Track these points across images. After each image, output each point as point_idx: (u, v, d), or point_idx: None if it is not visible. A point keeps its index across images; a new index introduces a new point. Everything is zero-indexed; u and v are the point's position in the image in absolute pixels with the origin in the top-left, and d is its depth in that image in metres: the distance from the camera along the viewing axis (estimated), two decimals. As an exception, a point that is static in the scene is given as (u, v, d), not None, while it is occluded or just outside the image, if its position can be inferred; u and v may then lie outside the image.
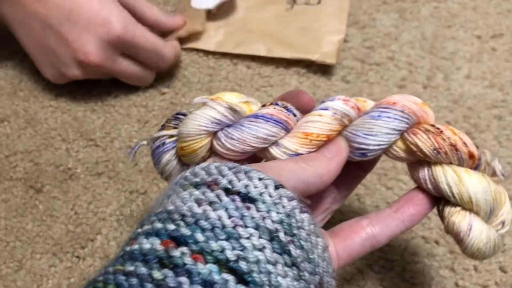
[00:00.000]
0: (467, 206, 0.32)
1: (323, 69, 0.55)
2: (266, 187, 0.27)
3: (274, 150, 0.32)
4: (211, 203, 0.26)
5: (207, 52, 0.57)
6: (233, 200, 0.26)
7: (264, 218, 0.25)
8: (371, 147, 0.32)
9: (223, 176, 0.27)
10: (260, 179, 0.27)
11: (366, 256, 0.43)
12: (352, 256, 0.32)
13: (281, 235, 0.25)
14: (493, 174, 0.32)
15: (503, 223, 0.32)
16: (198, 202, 0.26)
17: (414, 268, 0.42)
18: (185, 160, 0.34)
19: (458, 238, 0.32)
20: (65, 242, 0.45)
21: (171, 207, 0.26)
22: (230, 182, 0.27)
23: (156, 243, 0.24)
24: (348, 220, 0.34)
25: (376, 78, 0.54)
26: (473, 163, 0.32)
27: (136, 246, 0.24)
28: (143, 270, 0.23)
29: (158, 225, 0.25)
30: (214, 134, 0.33)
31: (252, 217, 0.25)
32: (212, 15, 0.59)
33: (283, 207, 0.27)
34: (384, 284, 0.41)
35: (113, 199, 0.47)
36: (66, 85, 0.55)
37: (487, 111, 0.51)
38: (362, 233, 0.32)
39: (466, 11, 0.60)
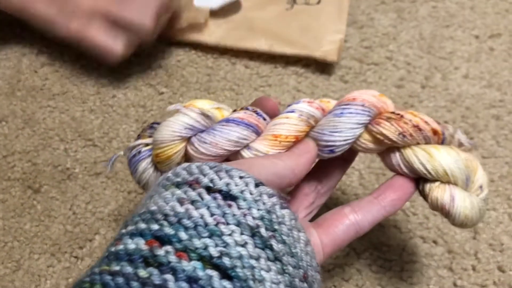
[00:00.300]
0: (444, 179, 0.33)
1: (321, 69, 0.55)
2: (246, 185, 0.27)
3: (245, 153, 0.33)
4: (193, 202, 0.26)
5: (205, 52, 0.57)
6: (215, 198, 0.26)
7: (245, 215, 0.26)
8: (337, 143, 0.33)
9: (204, 175, 0.28)
10: (241, 177, 0.28)
11: (364, 256, 0.43)
12: (337, 243, 0.32)
13: (262, 230, 0.26)
14: (460, 145, 0.34)
15: (481, 187, 0.33)
16: (180, 201, 0.26)
17: (412, 268, 0.42)
18: (160, 167, 0.35)
19: (445, 211, 0.33)
20: (63, 242, 0.45)
21: (153, 207, 0.26)
22: (211, 180, 0.27)
23: (141, 243, 0.24)
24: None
25: (374, 78, 0.54)
26: (439, 138, 0.33)
27: (121, 247, 0.25)
28: (128, 269, 0.23)
29: (142, 225, 0.25)
30: (188, 140, 0.34)
31: (234, 215, 0.26)
32: (214, 12, 0.59)
33: (264, 203, 0.27)
34: (382, 284, 0.41)
35: (111, 199, 0.47)
36: (64, 84, 0.55)
37: (485, 111, 0.51)
38: (345, 220, 0.33)
39: (464, 11, 0.60)
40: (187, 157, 0.34)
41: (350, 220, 0.33)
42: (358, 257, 0.43)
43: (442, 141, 0.33)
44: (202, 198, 0.26)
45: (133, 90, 0.54)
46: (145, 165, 0.35)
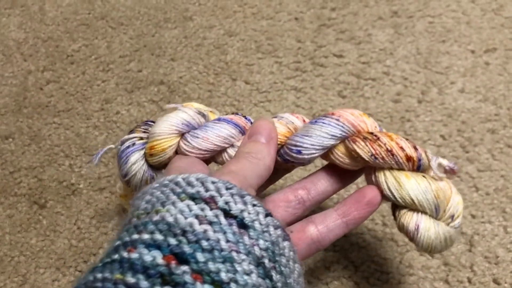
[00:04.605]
0: (412, 207, 0.34)
1: (319, 84, 0.56)
2: (257, 214, 0.28)
3: (231, 151, 0.36)
4: (211, 223, 0.27)
5: (207, 68, 0.59)
6: (231, 225, 0.27)
7: (253, 245, 0.27)
8: (305, 145, 0.35)
9: (220, 195, 0.28)
10: (253, 205, 0.29)
11: (362, 268, 0.44)
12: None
13: (266, 261, 0.27)
14: (445, 171, 0.34)
15: (452, 216, 0.34)
16: (199, 219, 0.27)
17: (409, 280, 0.43)
18: (151, 160, 0.37)
19: (409, 237, 0.34)
20: (68, 256, 0.46)
21: (170, 219, 0.27)
22: (227, 203, 0.28)
23: (158, 257, 0.24)
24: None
25: (371, 93, 0.55)
26: (413, 165, 0.34)
27: (136, 255, 0.25)
28: (145, 284, 0.23)
29: (159, 237, 0.26)
30: (181, 136, 0.36)
31: (245, 244, 0.27)
32: None
33: (270, 235, 0.28)
34: (379, 296, 0.42)
35: (115, 214, 0.48)
36: (69, 101, 0.56)
37: (480, 125, 0.52)
38: (308, 240, 0.34)
39: (460, 26, 0.61)
40: (177, 153, 0.37)
41: (313, 240, 0.34)
42: (356, 270, 0.44)
43: (417, 168, 0.34)
44: (219, 221, 0.27)
45: (136, 107, 0.56)
46: (137, 156, 0.37)
